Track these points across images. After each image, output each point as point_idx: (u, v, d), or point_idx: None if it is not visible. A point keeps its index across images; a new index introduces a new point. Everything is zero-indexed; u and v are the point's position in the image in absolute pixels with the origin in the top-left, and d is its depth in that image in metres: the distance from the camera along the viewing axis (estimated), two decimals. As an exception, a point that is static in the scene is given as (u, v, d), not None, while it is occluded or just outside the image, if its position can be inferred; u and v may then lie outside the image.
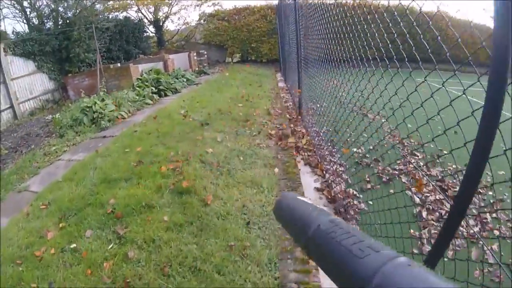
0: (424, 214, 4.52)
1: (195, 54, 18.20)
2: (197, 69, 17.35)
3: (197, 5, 23.00)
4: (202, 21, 22.88)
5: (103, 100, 9.64)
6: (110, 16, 18.57)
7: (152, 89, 11.03)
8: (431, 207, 4.74)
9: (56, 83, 14.59)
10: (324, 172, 5.22)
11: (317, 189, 4.80)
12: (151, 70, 12.66)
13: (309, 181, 5.06)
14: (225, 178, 4.94)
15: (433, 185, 4.52)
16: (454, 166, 5.79)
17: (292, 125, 7.43)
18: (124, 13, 20.41)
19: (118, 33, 17.43)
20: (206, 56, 20.03)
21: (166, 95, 11.31)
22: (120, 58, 17.71)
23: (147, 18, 21.93)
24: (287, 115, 8.21)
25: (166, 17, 22.68)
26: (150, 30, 22.67)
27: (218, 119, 7.65)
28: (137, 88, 10.80)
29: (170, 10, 22.52)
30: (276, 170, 5.25)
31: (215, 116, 7.87)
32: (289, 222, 0.48)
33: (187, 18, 29.77)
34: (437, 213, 4.64)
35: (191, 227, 3.90)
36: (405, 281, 0.30)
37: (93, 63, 15.62)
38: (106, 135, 7.67)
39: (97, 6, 16.93)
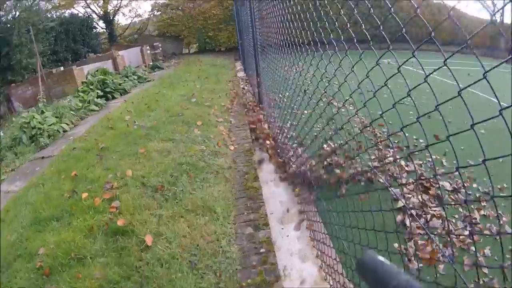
0: (407, 221, 3.85)
1: (148, 47, 16.95)
2: (150, 63, 16.14)
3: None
4: (155, 11, 21.58)
5: (42, 112, 8.50)
6: (55, 15, 17.08)
7: (97, 93, 9.88)
8: (414, 212, 4.14)
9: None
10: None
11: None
12: (97, 71, 11.47)
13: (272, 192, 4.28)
14: (170, 206, 4.00)
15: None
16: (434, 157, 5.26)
17: (251, 123, 6.58)
18: (72, 10, 18.95)
19: (64, 32, 15.96)
20: (161, 48, 18.78)
21: (113, 97, 10.17)
22: (68, 59, 16.29)
23: (96, 13, 20.47)
24: (246, 110, 7.34)
25: (117, 10, 21.20)
26: (100, 25, 21.22)
27: (167, 123, 6.64)
28: (81, 94, 9.65)
29: (120, 2, 21.09)
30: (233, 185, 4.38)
31: (164, 120, 6.86)
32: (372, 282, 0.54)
33: (139, 10, 28.03)
34: (422, 219, 4.00)
35: (128, 284, 3.00)
36: None
37: (41, 68, 14.33)
38: (45, 155, 6.51)
39: (42, 4, 15.49)
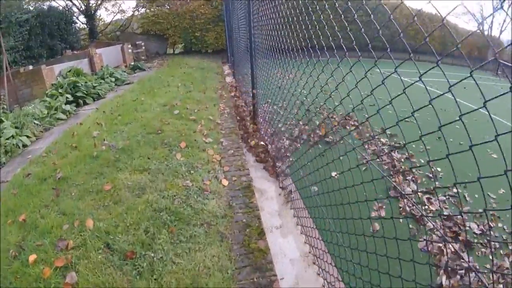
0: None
1: (130, 46, 15.46)
2: (132, 63, 14.65)
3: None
4: (139, 8, 20.04)
5: (1, 121, 7.06)
6: (31, 7, 15.44)
7: (67, 98, 8.43)
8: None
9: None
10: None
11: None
12: (69, 71, 9.99)
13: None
14: (146, 285, 2.71)
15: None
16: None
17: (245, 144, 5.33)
18: (52, 3, 17.27)
19: (40, 26, 14.34)
20: (143, 48, 17.27)
21: (85, 103, 8.71)
22: (43, 56, 14.69)
23: (76, 7, 18.81)
24: (239, 128, 6.06)
25: (99, 5, 19.55)
26: (81, 20, 19.55)
27: (143, 144, 5.28)
28: (47, 99, 8.19)
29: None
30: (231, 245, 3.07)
31: (140, 139, 5.48)
32: None
33: (123, 5, 26.15)
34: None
35: None
36: None
37: (9, 66, 12.76)
38: None
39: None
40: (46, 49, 14.97)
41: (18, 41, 12.79)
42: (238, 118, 6.71)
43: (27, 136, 6.73)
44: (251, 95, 6.42)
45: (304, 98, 3.27)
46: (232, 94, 9.06)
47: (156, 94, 8.57)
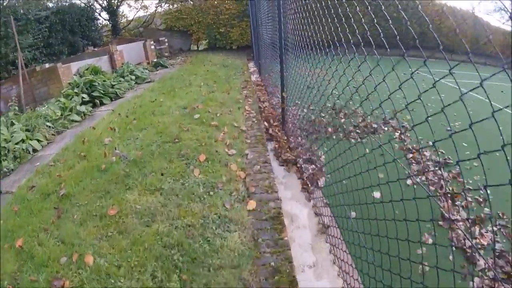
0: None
1: (152, 42, 14.90)
2: (154, 60, 14.09)
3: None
4: (162, 3, 19.49)
5: (12, 124, 6.55)
6: (52, 4, 15.05)
7: (82, 98, 7.88)
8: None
9: (-15, 92, 11.13)
10: None
11: None
12: (87, 69, 9.45)
13: None
14: None
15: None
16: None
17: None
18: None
19: (60, 22, 13.94)
20: (167, 44, 16.72)
21: (102, 103, 8.17)
22: (64, 52, 14.30)
23: (99, 3, 18.42)
24: (266, 136, 5.35)
25: (121, 1, 19.09)
26: (103, 17, 19.15)
27: (157, 155, 4.60)
28: (61, 100, 7.65)
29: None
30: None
31: (154, 149, 4.82)
32: None
33: (145, 1, 25.57)
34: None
35: None
36: None
37: (28, 63, 12.35)
38: (3, 188, 4.61)
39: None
40: (67, 46, 14.58)
41: (38, 38, 12.39)
42: (265, 123, 5.99)
43: (38, 140, 6.21)
44: (280, 97, 5.71)
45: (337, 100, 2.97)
46: (258, 94, 8.35)
47: (176, 94, 7.91)
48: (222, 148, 4.81)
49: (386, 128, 6.45)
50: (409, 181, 4.13)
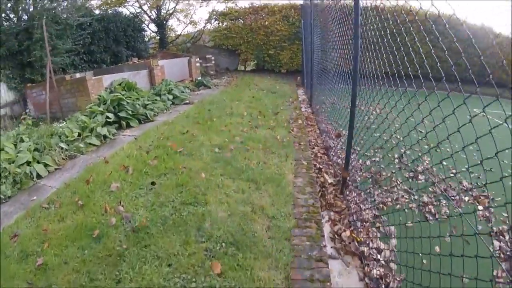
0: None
1: (198, 59, 13.81)
2: (199, 78, 12.95)
3: (206, 1, 18.49)
4: (212, 20, 18.49)
5: (22, 141, 5.43)
6: (97, 11, 14.31)
7: (107, 118, 6.70)
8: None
9: (17, 93, 10.28)
10: None
11: None
12: (119, 84, 8.31)
13: None
14: None
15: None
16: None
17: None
18: (120, 8, 16.14)
19: (104, 30, 13.16)
20: (213, 62, 15.66)
21: (129, 125, 6.96)
22: (106, 61, 13.47)
23: (148, 15, 17.66)
24: (322, 206, 3.85)
25: (170, 14, 18.25)
26: (151, 28, 18.37)
27: (169, 227, 3.20)
28: (82, 117, 6.48)
29: (175, 6, 18.13)
30: None
31: (168, 213, 3.43)
32: None
33: (194, 16, 24.37)
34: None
35: None
36: None
37: (67, 68, 11.49)
38: None
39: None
40: (110, 55, 13.79)
41: (78, 44, 11.54)
42: (319, 183, 4.52)
43: (45, 165, 5.02)
44: (343, 155, 4.25)
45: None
46: (310, 132, 6.91)
47: (213, 126, 6.54)
48: (261, 228, 3.35)
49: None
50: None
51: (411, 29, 2.47)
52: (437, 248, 2.94)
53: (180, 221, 3.33)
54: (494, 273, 3.14)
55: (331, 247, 3.23)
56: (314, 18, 8.82)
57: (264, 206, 3.67)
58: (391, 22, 2.89)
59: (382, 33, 3.05)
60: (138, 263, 2.76)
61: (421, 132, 2.53)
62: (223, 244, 3.02)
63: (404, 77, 2.62)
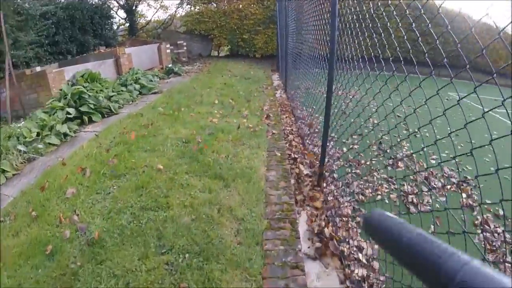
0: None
1: (168, 45, 13.26)
2: (169, 65, 12.44)
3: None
4: (183, 4, 17.84)
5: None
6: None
7: (67, 113, 6.23)
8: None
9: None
10: None
11: None
12: (82, 76, 7.79)
13: None
14: None
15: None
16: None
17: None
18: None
19: (69, 19, 12.44)
20: (185, 48, 15.10)
21: (91, 120, 6.50)
22: (72, 52, 12.77)
23: (116, 1, 16.89)
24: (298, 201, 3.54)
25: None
26: (120, 15, 17.62)
27: (126, 237, 2.83)
28: (41, 115, 6.00)
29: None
30: None
31: (125, 222, 3.04)
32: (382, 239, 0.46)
33: (164, 0, 23.56)
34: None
35: None
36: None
37: (30, 62, 10.82)
38: None
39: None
40: (77, 45, 13.04)
41: (42, 35, 10.85)
42: (294, 174, 4.22)
43: (3, 171, 4.56)
44: (320, 141, 3.96)
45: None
46: (284, 119, 6.59)
47: (179, 118, 6.12)
48: (229, 234, 3.03)
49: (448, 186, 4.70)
50: None
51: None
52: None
53: (139, 230, 2.97)
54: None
55: (308, 247, 2.94)
56: (286, 3, 8.44)
57: (233, 206, 3.35)
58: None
59: (360, 16, 2.79)
60: (93, 283, 2.43)
61: (399, 116, 2.26)
62: (187, 255, 2.69)
63: (383, 60, 2.36)
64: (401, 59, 2.06)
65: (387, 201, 3.80)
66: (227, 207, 3.33)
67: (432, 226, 2.99)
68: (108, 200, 3.47)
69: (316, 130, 5.16)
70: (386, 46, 2.33)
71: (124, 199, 3.44)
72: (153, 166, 4.09)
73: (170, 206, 3.28)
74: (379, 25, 2.46)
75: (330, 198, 3.65)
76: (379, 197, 3.98)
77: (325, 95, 3.64)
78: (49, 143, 5.50)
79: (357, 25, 2.83)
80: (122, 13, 17.52)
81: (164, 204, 3.32)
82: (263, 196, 3.61)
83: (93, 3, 14.21)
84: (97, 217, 3.21)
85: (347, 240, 2.99)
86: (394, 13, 2.16)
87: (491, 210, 4.22)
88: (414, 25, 1.97)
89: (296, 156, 4.81)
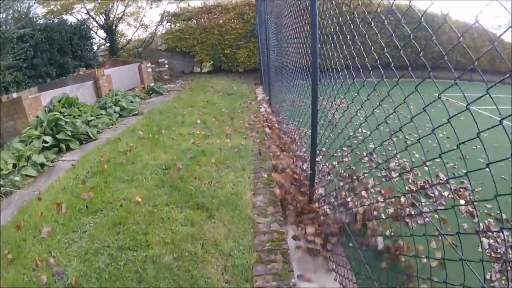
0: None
1: (149, 64, 13.06)
2: (151, 84, 12.24)
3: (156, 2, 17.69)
4: (163, 22, 17.69)
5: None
6: (41, 21, 13.32)
7: (44, 142, 5.99)
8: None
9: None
10: None
11: None
12: (59, 101, 7.56)
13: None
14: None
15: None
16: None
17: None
18: (65, 16, 15.13)
19: (47, 41, 12.16)
20: (167, 66, 14.93)
21: (69, 148, 6.24)
22: (51, 75, 12.47)
23: (95, 20, 16.68)
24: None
25: (119, 19, 17.33)
26: (100, 35, 17.39)
27: (106, 279, 2.65)
28: (17, 144, 5.75)
29: (124, 10, 17.23)
30: None
31: (104, 262, 2.83)
32: None
33: (145, 19, 23.15)
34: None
35: None
36: None
37: (9, 87, 10.53)
38: None
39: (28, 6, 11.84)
40: (56, 67, 12.74)
41: (20, 59, 10.56)
42: (282, 196, 4.06)
43: None
44: (308, 160, 3.80)
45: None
46: (269, 133, 6.44)
47: (159, 141, 5.91)
48: (215, 264, 2.84)
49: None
50: None
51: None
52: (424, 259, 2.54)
53: (117, 273, 2.76)
54: (487, 277, 2.99)
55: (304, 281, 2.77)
56: (268, 13, 8.33)
57: (218, 240, 3.15)
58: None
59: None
60: None
61: (387, 123, 2.12)
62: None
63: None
64: (391, 63, 1.92)
65: (383, 216, 3.64)
66: (211, 241, 3.14)
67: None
68: (84, 239, 3.24)
69: (304, 144, 5.01)
70: (372, 49, 2.20)
71: (101, 237, 3.22)
72: (131, 198, 3.87)
73: (149, 245, 3.07)
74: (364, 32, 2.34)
75: (323, 219, 3.49)
76: (375, 213, 3.82)
77: (310, 109, 3.50)
78: (26, 175, 5.23)
79: (340, 37, 2.71)
80: (102, 33, 17.28)
81: (143, 242, 3.11)
82: (251, 225, 3.43)
83: (72, 24, 13.97)
84: (74, 259, 2.98)
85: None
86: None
87: (492, 214, 4.11)
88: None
89: (285, 177, 4.64)
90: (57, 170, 5.34)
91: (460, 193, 4.58)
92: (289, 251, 3.05)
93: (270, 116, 7.99)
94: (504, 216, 3.91)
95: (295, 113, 5.35)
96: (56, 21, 13.54)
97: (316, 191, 3.83)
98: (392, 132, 1.99)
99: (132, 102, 9.28)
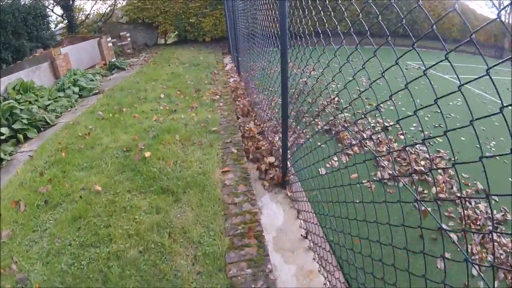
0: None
1: (110, 39, 12.44)
2: (113, 60, 11.70)
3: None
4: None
5: None
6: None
7: (0, 133, 5.60)
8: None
9: None
10: None
11: None
12: (14, 87, 7.09)
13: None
14: None
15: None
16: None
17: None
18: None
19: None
20: (129, 39, 14.26)
21: (27, 138, 5.87)
22: (8, 60, 11.75)
23: (52, -1, 15.68)
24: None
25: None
26: (57, 12, 16.42)
27: (70, 281, 2.50)
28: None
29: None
30: None
31: (66, 263, 2.64)
32: None
33: None
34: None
35: None
36: None
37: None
38: None
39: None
40: (12, 52, 12.00)
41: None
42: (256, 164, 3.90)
43: None
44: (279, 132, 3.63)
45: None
46: (239, 104, 6.21)
47: (120, 121, 5.61)
48: (184, 254, 2.67)
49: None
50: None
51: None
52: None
53: (81, 274, 2.56)
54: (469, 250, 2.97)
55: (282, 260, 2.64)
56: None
57: (186, 226, 2.97)
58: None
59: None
60: None
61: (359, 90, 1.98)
62: None
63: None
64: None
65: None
66: (179, 228, 2.95)
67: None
68: (45, 239, 3.00)
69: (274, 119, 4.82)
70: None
71: (62, 235, 2.98)
72: (90, 188, 3.61)
73: (112, 239, 2.86)
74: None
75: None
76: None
77: (280, 78, 3.27)
78: (-18, 170, 4.91)
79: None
80: (59, 10, 16.31)
81: (105, 236, 2.89)
82: (221, 207, 3.25)
83: (25, 3, 13.10)
84: (36, 263, 2.75)
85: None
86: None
87: (469, 184, 4.08)
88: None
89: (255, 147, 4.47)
90: (15, 163, 4.99)
91: (435, 162, 4.54)
92: (263, 233, 2.91)
93: (238, 84, 7.73)
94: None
95: (265, 82, 5.12)
96: (10, 2, 12.68)
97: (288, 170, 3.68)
98: (353, 99, 1.82)
99: (92, 80, 8.80)
